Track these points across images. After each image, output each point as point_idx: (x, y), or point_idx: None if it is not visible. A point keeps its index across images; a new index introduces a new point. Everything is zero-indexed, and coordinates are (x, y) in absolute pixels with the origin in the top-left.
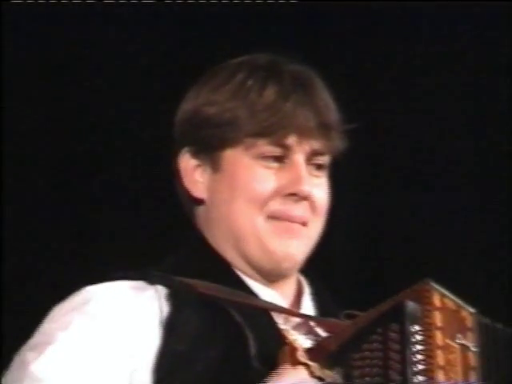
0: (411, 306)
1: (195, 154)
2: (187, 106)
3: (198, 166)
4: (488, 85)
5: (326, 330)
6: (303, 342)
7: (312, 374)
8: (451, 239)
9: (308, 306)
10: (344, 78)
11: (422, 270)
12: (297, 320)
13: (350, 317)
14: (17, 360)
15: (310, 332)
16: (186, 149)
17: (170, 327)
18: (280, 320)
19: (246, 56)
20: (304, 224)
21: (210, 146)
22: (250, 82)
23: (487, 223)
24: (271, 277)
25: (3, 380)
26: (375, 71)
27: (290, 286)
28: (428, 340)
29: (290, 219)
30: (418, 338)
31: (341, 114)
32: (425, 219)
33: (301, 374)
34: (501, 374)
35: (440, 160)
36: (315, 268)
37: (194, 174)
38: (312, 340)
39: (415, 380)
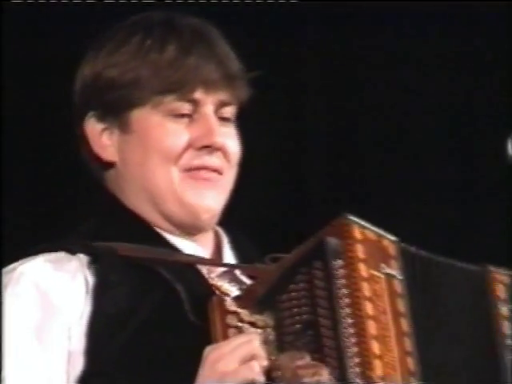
0: (332, 241)
1: (101, 118)
2: (86, 71)
3: (105, 129)
4: None
5: (252, 276)
6: (229, 289)
7: (242, 321)
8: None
9: (229, 255)
10: None
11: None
12: (220, 269)
13: (274, 260)
14: None
15: (234, 280)
16: (90, 113)
17: (98, 293)
18: (204, 271)
19: (139, 15)
20: (220, 173)
21: (116, 108)
22: (149, 41)
23: None
24: (191, 230)
25: None
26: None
27: (209, 238)
28: (352, 273)
29: (205, 169)
30: (342, 272)
31: (243, 63)
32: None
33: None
34: (429, 298)
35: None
36: (237, 215)
37: (101, 138)
38: (237, 287)
39: (343, 313)
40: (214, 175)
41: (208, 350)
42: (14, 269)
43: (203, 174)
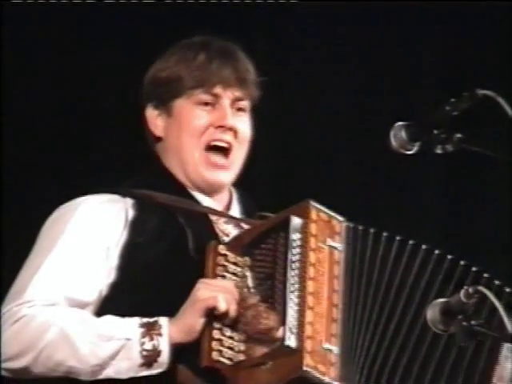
0: (294, 220)
1: (156, 107)
2: (148, 74)
3: (159, 114)
4: None
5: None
6: (232, 231)
7: (228, 261)
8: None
9: (235, 208)
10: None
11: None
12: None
13: (261, 217)
14: (27, 264)
15: (237, 225)
16: (150, 103)
17: (133, 226)
18: (214, 218)
19: (187, 40)
20: (229, 147)
21: (165, 98)
22: (188, 53)
23: None
24: (207, 192)
25: (14, 284)
26: None
27: (223, 195)
28: (304, 245)
29: (220, 141)
30: (298, 243)
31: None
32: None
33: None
34: (364, 266)
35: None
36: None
37: (156, 120)
38: (238, 230)
39: (292, 273)
40: (224, 161)
41: (199, 281)
42: (75, 202)
43: (216, 160)
